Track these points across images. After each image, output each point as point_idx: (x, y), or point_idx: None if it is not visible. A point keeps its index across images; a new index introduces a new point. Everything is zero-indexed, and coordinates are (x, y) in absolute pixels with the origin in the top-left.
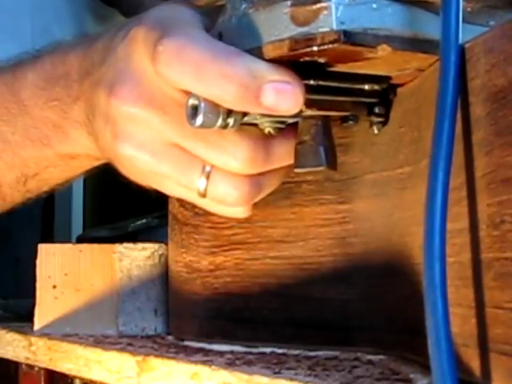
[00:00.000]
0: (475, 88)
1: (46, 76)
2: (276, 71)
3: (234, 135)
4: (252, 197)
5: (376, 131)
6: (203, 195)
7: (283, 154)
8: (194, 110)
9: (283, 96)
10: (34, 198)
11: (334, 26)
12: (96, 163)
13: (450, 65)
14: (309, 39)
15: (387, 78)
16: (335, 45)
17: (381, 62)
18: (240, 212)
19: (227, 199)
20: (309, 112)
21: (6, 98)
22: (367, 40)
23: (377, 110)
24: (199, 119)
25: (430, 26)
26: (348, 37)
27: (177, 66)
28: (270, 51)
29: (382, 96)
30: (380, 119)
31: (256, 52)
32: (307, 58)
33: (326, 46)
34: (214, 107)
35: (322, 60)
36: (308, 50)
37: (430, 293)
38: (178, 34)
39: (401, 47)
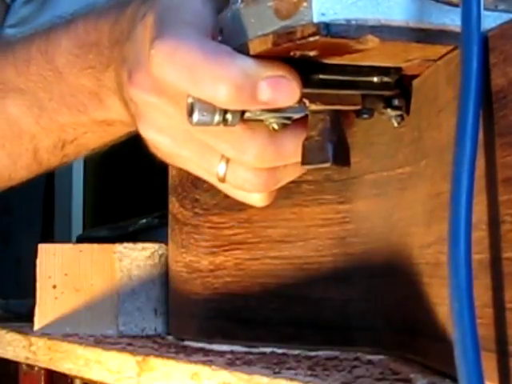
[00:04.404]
0: None
1: (79, 43)
2: (269, 67)
3: (242, 132)
4: (271, 185)
5: (396, 124)
6: (222, 180)
7: (294, 150)
8: (192, 108)
9: (279, 90)
10: (71, 161)
11: (314, 19)
12: (131, 129)
13: (472, 57)
14: (290, 33)
15: (397, 70)
16: (316, 38)
17: (377, 53)
18: (259, 200)
19: (246, 185)
20: (313, 107)
21: (41, 66)
22: (350, 31)
23: (396, 102)
24: (195, 117)
25: (428, 14)
26: (328, 29)
27: (170, 69)
28: (256, 46)
29: (401, 88)
30: (399, 112)
31: (245, 48)
32: (298, 52)
33: (306, 40)
34: (210, 105)
35: (312, 54)
36: (291, 44)
37: (455, 301)
38: (169, 36)
39: (390, 37)
